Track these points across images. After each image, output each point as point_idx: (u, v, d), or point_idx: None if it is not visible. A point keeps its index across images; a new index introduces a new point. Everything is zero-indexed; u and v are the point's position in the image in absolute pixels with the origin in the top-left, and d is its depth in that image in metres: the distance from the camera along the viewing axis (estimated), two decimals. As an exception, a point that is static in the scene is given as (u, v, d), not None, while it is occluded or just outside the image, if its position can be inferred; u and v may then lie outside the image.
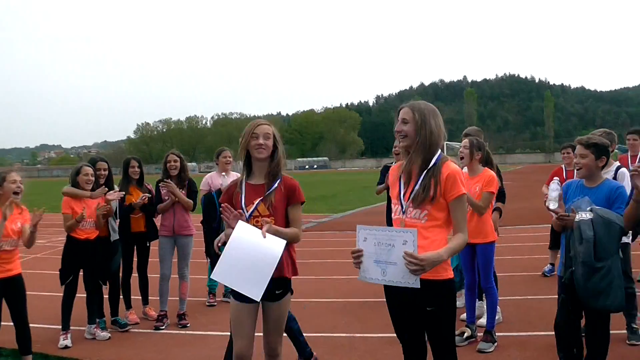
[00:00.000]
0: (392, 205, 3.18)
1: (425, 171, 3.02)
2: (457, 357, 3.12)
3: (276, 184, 3.52)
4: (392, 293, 3.09)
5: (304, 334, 5.70)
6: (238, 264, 3.32)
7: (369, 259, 2.92)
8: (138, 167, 6.59)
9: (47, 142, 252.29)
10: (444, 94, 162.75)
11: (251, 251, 3.32)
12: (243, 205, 3.50)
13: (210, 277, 6.04)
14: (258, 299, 3.35)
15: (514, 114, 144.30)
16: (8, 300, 4.79)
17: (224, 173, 6.99)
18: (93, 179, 5.83)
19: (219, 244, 4.11)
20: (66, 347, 5.59)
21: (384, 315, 6.15)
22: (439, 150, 3.09)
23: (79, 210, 5.62)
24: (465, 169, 5.29)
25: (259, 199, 3.49)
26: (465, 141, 5.35)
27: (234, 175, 6.89)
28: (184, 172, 6.51)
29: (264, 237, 3.34)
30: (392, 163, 7.26)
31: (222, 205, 3.49)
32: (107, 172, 6.15)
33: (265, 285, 3.30)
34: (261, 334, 3.62)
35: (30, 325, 4.94)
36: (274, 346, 3.59)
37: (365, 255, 2.93)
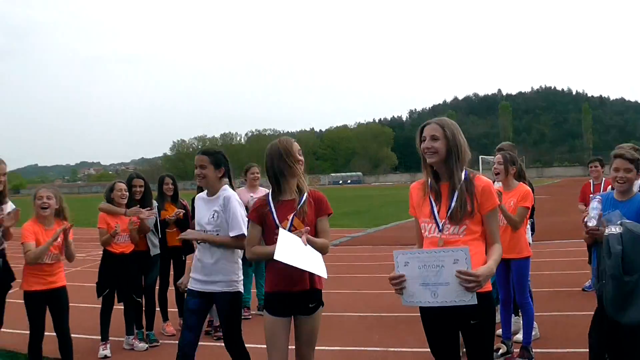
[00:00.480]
0: (423, 224, 3.14)
1: (459, 187, 3.03)
2: None
3: (305, 197, 3.58)
4: (430, 310, 3.04)
5: (338, 348, 5.73)
6: (294, 253, 3.35)
7: (414, 283, 2.86)
8: (172, 184, 6.80)
9: (86, 159, 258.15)
10: (478, 107, 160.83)
11: (300, 250, 3.39)
12: (277, 223, 3.54)
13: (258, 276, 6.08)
14: (326, 276, 3.42)
15: (550, 127, 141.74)
16: (52, 311, 4.94)
17: (252, 194, 7.01)
18: (127, 194, 6.01)
19: (182, 287, 4.30)
20: (105, 357, 5.74)
21: (419, 331, 6.11)
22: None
23: (114, 225, 5.79)
24: (500, 184, 5.27)
25: (292, 213, 3.54)
26: (499, 156, 5.32)
27: (262, 191, 7.03)
28: None
29: (305, 244, 3.41)
30: None
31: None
32: (142, 189, 6.29)
33: (324, 267, 3.41)
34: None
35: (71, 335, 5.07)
36: (307, 358, 3.63)
37: (409, 280, 2.86)
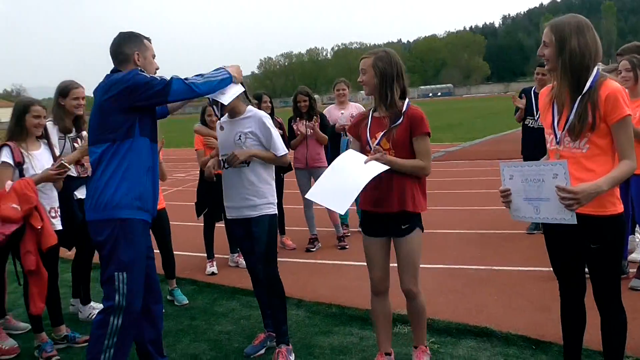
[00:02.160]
0: (546, 135, 2.91)
1: (579, 97, 2.71)
2: (621, 297, 2.87)
3: (401, 120, 3.33)
4: (551, 228, 2.90)
5: (439, 265, 5.64)
6: (330, 182, 3.33)
7: (518, 197, 2.77)
8: (270, 102, 6.77)
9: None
10: (578, 9, 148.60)
11: (346, 172, 3.30)
12: (368, 138, 3.42)
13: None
14: (342, 212, 3.33)
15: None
16: (154, 233, 5.13)
17: (342, 111, 6.94)
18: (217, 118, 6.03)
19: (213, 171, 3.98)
20: (213, 273, 5.96)
21: (524, 248, 5.98)
22: (595, 70, 2.72)
23: (211, 146, 5.86)
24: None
25: (382, 132, 3.36)
26: (625, 62, 4.75)
27: (353, 107, 7.01)
28: (312, 109, 6.73)
29: (365, 162, 3.25)
30: (531, 87, 6.78)
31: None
32: None
33: (351, 201, 3.21)
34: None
35: (179, 253, 5.28)
36: (408, 286, 3.45)
37: (514, 194, 2.78)
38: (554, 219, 2.65)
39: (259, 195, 3.87)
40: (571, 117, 2.72)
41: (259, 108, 6.62)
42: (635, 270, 4.88)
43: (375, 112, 3.47)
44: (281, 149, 3.88)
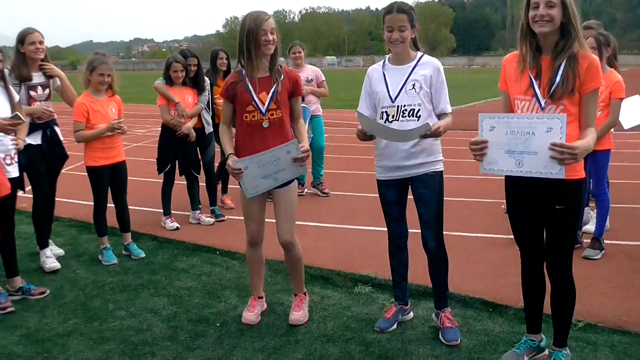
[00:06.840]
0: (517, 102, 2.90)
1: (564, 61, 2.72)
2: (571, 268, 2.96)
3: (282, 77, 3.51)
4: (517, 189, 2.94)
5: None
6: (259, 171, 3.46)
7: (497, 150, 2.71)
8: (226, 59, 6.66)
9: (140, 36, 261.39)
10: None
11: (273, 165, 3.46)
12: (256, 100, 3.45)
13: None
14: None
15: (623, 11, 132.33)
16: (112, 185, 5.03)
17: (307, 77, 6.93)
18: (183, 74, 5.89)
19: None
20: (177, 228, 5.89)
21: (485, 217, 6.10)
22: None
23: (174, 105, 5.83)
24: None
25: (271, 91, 3.46)
26: (591, 40, 4.73)
27: (309, 69, 7.02)
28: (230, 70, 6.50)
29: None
30: None
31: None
32: (196, 68, 6.11)
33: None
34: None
35: (139, 209, 5.16)
36: (287, 237, 3.67)
37: (492, 146, 2.73)
38: (538, 173, 2.64)
39: (429, 151, 3.35)
40: (557, 79, 2.72)
41: (214, 65, 6.55)
42: (589, 240, 5.04)
43: (250, 73, 3.48)
44: (450, 105, 3.40)
